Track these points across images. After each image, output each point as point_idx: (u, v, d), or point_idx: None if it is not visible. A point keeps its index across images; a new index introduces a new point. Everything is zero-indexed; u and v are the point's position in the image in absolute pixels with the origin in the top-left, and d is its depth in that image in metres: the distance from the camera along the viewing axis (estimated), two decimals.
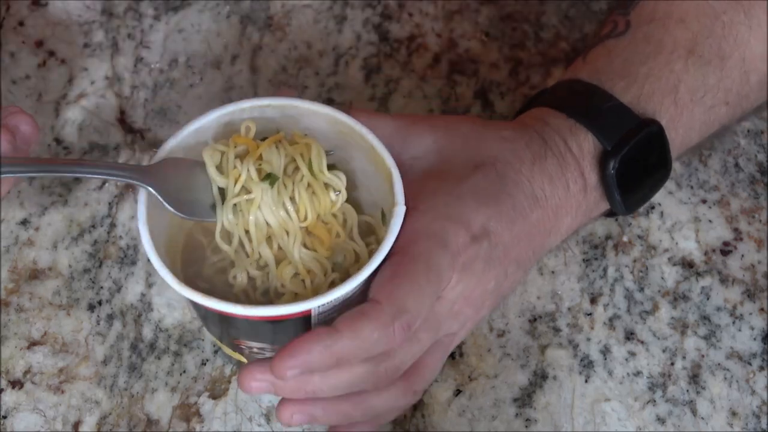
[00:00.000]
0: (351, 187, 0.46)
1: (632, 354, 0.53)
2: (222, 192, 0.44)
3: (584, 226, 0.54)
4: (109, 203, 0.57)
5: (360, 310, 0.41)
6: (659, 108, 0.50)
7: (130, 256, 0.56)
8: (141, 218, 0.41)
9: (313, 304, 0.40)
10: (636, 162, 0.49)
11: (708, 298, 0.55)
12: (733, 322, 0.55)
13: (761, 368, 0.53)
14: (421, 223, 0.44)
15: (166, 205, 0.42)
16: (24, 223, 0.56)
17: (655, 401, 0.52)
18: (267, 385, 0.42)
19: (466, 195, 0.46)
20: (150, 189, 0.42)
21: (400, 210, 0.42)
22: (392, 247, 0.43)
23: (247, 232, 0.43)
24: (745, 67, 0.52)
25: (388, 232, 0.42)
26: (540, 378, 0.53)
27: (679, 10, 0.52)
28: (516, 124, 0.51)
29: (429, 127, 0.49)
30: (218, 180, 0.43)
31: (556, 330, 0.54)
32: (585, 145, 0.49)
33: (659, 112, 0.50)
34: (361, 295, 0.43)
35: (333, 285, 0.42)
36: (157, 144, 0.56)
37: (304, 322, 0.42)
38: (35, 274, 0.55)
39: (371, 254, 0.42)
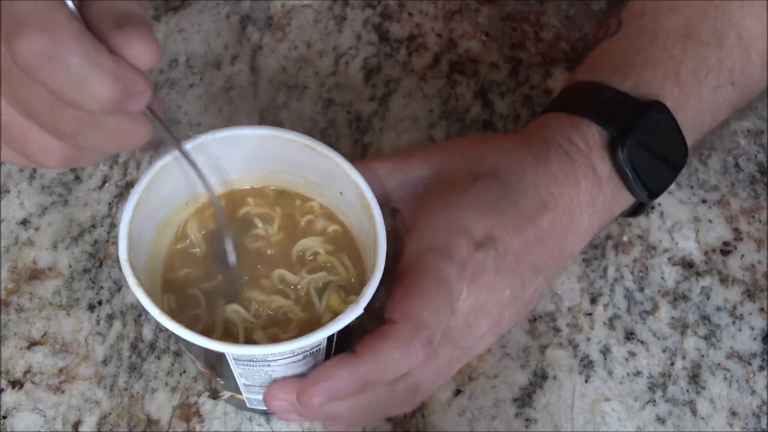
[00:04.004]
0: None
1: (632, 354, 0.53)
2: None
3: (609, 223, 0.52)
4: (109, 203, 0.57)
5: (379, 332, 0.41)
6: (661, 92, 0.49)
7: None
8: (122, 254, 0.41)
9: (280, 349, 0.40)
10: (647, 145, 0.48)
11: (708, 298, 0.55)
12: (733, 322, 0.55)
13: (761, 368, 0.53)
14: (422, 240, 0.44)
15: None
16: (24, 223, 0.56)
17: (655, 401, 0.52)
18: (289, 405, 0.43)
19: (466, 206, 0.45)
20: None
21: (381, 246, 0.42)
22: (398, 268, 0.43)
23: None
24: (744, 45, 0.52)
25: (372, 276, 0.41)
26: (540, 378, 0.53)
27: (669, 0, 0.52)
28: (517, 134, 0.50)
29: (422, 156, 0.49)
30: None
31: (556, 330, 0.54)
32: (590, 136, 0.48)
33: (662, 95, 0.49)
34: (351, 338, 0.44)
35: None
36: (156, 144, 0.56)
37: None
38: (35, 274, 0.55)
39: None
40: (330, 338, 0.41)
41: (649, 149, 0.48)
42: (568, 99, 0.51)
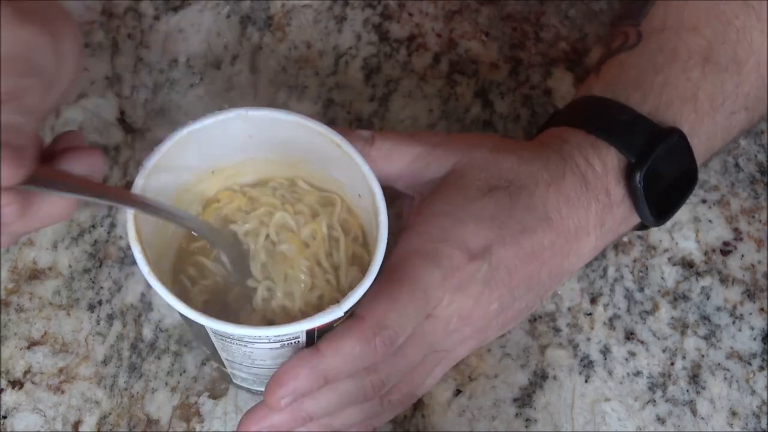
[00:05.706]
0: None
1: (632, 354, 0.53)
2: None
3: (615, 241, 0.52)
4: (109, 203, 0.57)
5: (343, 327, 0.42)
6: (679, 116, 0.49)
7: (130, 256, 0.55)
8: (132, 235, 0.41)
9: (301, 327, 0.40)
10: (661, 171, 0.48)
11: (708, 298, 0.55)
12: (733, 322, 0.55)
13: (761, 368, 0.53)
14: (415, 244, 0.45)
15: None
16: None
17: (655, 401, 0.52)
18: (267, 426, 0.43)
19: (468, 218, 0.45)
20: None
21: (377, 259, 0.42)
22: (383, 266, 0.43)
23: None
24: (761, 71, 0.51)
25: (360, 285, 0.41)
26: (540, 378, 0.53)
27: (690, 17, 0.51)
28: (535, 144, 0.50)
29: (451, 149, 0.49)
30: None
31: (556, 330, 0.54)
32: (608, 160, 0.48)
33: (679, 120, 0.49)
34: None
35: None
36: (157, 144, 0.55)
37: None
38: (35, 274, 0.55)
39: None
40: (310, 332, 0.41)
41: (663, 175, 0.48)
42: (585, 115, 0.50)
